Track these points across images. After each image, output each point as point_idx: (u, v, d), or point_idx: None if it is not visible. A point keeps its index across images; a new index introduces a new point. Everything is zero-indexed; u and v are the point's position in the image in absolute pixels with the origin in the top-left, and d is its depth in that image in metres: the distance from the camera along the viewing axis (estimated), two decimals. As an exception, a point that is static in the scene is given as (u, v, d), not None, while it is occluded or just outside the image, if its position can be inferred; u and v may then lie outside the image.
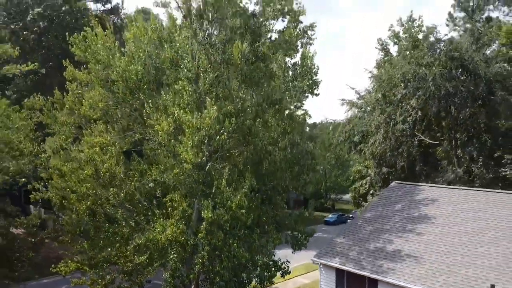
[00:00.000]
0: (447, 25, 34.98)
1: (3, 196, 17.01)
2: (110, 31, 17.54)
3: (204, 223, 14.09)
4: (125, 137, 17.38)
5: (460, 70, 24.79)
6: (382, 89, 29.20)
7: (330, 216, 53.38)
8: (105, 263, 16.18)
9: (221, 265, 14.73)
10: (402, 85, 26.75)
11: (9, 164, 14.81)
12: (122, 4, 42.75)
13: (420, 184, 18.16)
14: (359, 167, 36.84)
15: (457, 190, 16.24)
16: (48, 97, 17.60)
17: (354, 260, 14.05)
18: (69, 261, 16.48)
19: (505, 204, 14.10)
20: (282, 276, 16.75)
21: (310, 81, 19.44)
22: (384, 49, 35.39)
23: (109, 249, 16.05)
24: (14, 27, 30.54)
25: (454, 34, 34.66)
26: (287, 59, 19.35)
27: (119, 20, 41.52)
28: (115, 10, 41.06)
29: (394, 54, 34.60)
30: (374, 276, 13.22)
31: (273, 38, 18.23)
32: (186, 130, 14.13)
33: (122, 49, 17.69)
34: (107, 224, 15.59)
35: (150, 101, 15.92)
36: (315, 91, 20.18)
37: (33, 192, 16.56)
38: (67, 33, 24.23)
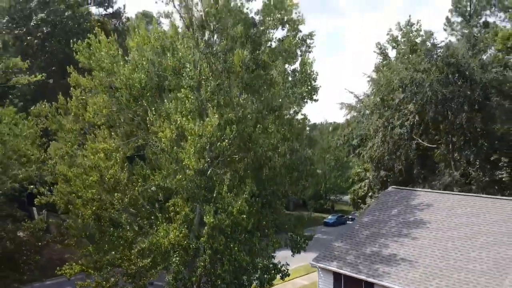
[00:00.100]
0: (445, 30, 35.48)
1: (11, 201, 17.46)
2: (114, 38, 17.91)
3: (206, 227, 14.55)
4: (128, 143, 17.80)
5: (456, 75, 25.25)
6: (380, 93, 29.65)
7: (330, 218, 53.83)
8: (109, 265, 16.60)
9: (222, 268, 15.18)
10: (400, 90, 27.21)
11: (18, 171, 15.27)
12: (124, 8, 43.11)
13: (416, 189, 18.62)
14: (358, 170, 37.31)
15: (452, 195, 16.70)
16: (53, 102, 18.02)
17: (351, 264, 14.52)
18: (74, 263, 16.95)
19: (497, 209, 14.57)
20: (282, 278, 17.18)
21: (309, 87, 19.92)
22: (383, 53, 35.81)
23: (113, 252, 16.48)
24: (18, 32, 31.01)
25: (452, 38, 35.21)
26: (287, 65, 19.79)
27: (120, 24, 42.02)
28: (116, 15, 41.55)
29: (393, 58, 35.08)
30: (370, 279, 13.69)
31: (273, 46, 18.68)
32: (189, 137, 14.55)
33: (126, 57, 18.04)
34: (111, 229, 16.02)
35: (153, 108, 16.35)
36: (314, 97, 20.68)
37: (38, 196, 16.99)
38: (70, 38, 24.71)
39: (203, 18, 16.43)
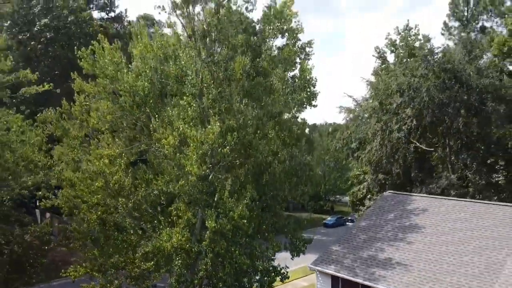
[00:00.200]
0: (442, 34, 35.93)
1: (19, 206, 17.92)
2: (117, 46, 18.31)
3: (208, 232, 15.00)
4: (131, 149, 18.24)
5: (453, 81, 25.71)
6: (378, 98, 30.12)
7: (329, 219, 54.35)
8: (114, 268, 17.08)
9: (224, 271, 15.62)
10: (398, 94, 27.67)
11: (27, 178, 15.75)
12: (126, 12, 43.53)
13: (412, 194, 19.09)
14: (357, 172, 37.77)
15: (446, 200, 17.17)
16: (57, 108, 18.45)
17: (348, 268, 15.00)
18: (78, 266, 17.44)
19: (490, 215, 15.03)
20: (282, 280, 17.63)
21: (309, 93, 20.41)
22: (381, 57, 36.29)
23: (117, 255, 16.94)
24: (22, 37, 31.48)
25: (450, 43, 35.66)
26: (286, 72, 20.23)
27: (122, 28, 42.50)
28: (118, 19, 42.04)
29: (391, 61, 35.55)
30: (366, 283, 14.15)
31: (273, 54, 19.13)
32: (191, 144, 14.99)
33: (129, 65, 18.41)
34: (116, 233, 16.49)
35: (156, 115, 16.79)
36: (313, 103, 21.16)
37: (43, 199, 17.44)
38: (73, 43, 24.99)
39: (205, 28, 16.87)
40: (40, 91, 16.28)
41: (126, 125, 18.37)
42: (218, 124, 15.14)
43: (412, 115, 27.76)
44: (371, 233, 16.36)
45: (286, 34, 19.01)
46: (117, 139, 17.89)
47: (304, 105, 20.85)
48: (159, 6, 16.97)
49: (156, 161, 17.53)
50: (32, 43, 31.38)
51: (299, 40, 19.23)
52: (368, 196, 34.05)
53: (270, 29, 18.37)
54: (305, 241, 18.04)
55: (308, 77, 20.04)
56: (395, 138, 28.31)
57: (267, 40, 18.47)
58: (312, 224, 49.88)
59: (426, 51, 29.68)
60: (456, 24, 34.98)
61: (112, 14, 41.26)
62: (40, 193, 15.33)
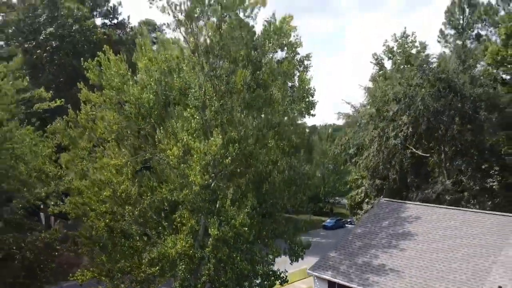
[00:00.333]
0: (439, 42, 36.66)
1: (31, 214, 18.70)
2: (122, 58, 18.96)
3: (211, 239, 15.77)
4: (137, 158, 18.96)
5: (447, 90, 26.47)
6: (376, 104, 30.87)
7: (328, 221, 54.97)
8: (120, 273, 17.85)
9: (225, 276, 16.39)
10: (394, 102, 28.43)
11: (41, 190, 16.53)
12: (128, 19, 44.33)
13: (405, 202, 19.88)
14: (355, 176, 38.53)
15: (438, 208, 17.95)
16: (63, 116, 19.15)
17: (344, 273, 15.79)
18: (86, 270, 18.22)
19: (478, 223, 15.81)
20: (281, 284, 18.41)
21: (307, 103, 21.20)
22: (379, 64, 37.01)
23: (124, 261, 17.71)
24: (28, 45, 32.25)
25: (446, 50, 36.40)
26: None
27: (124, 34, 43.25)
28: (121, 25, 42.80)
29: (389, 68, 36.28)
30: (361, 288, 14.96)
31: (273, 67, 19.87)
32: (195, 155, 15.73)
33: (135, 76, 19.04)
34: (123, 239, 17.26)
35: (161, 127, 17.53)
36: (312, 112, 21.94)
37: (51, 206, 18.20)
38: (77, 51, 25.52)
39: (208, 43, 17.62)
40: (53, 106, 17.07)
41: (130, 132, 19.09)
42: (221, 136, 15.88)
43: (408, 122, 28.53)
44: (366, 240, 17.15)
45: (286, 48, 19.83)
46: (122, 148, 18.54)
47: (303, 114, 21.68)
48: (164, 24, 17.82)
49: (160, 168, 18.24)
50: (38, 51, 32.15)
51: (298, 54, 20.06)
52: (366, 200, 34.82)
53: (270, 44, 19.15)
54: (303, 246, 18.80)
55: (306, 87, 20.84)
56: (392, 144, 29.06)
57: (267, 54, 19.23)
58: (311, 226, 50.56)
59: (423, 57, 30.46)
60: (452, 32, 35.73)
61: (115, 21, 42.01)
62: (52, 203, 16.08)
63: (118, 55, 18.72)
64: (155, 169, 18.32)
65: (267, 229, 18.40)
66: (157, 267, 16.58)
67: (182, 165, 16.24)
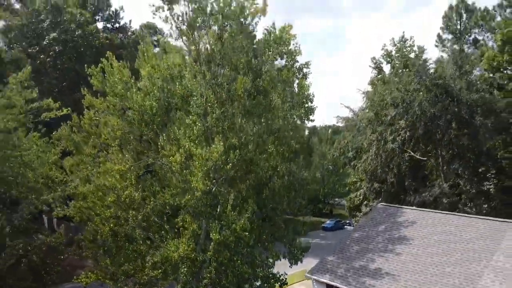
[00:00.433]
0: (436, 46, 37.14)
1: (36, 219, 19.22)
2: (125, 64, 19.39)
3: (212, 243, 16.25)
4: (140, 163, 19.41)
5: (444, 95, 26.95)
6: (374, 109, 31.34)
7: (328, 222, 55.40)
8: (124, 275, 18.34)
9: (227, 279, 16.85)
10: (392, 107, 28.90)
11: (48, 196, 17.04)
12: (130, 23, 44.81)
13: (402, 206, 20.35)
14: (353, 179, 39.01)
15: (433, 213, 18.42)
16: (68, 122, 19.62)
17: (342, 277, 16.28)
18: (90, 273, 18.73)
19: (472, 228, 16.27)
20: (281, 286, 18.87)
21: (306, 109, 21.68)
22: (378, 67, 37.44)
23: (127, 264, 18.18)
24: (31, 50, 32.75)
25: (444, 54, 36.92)
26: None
27: (126, 38, 43.78)
28: (122, 29, 43.32)
29: (387, 72, 36.71)
30: (358, 291, 15.39)
31: (272, 75, 20.33)
32: (197, 162, 16.20)
33: (137, 81, 19.40)
34: (127, 243, 17.74)
35: (163, 133, 18.00)
36: (311, 117, 22.40)
37: (55, 210, 18.70)
38: (80, 55, 25.84)
39: (209, 52, 18.09)
40: (59, 115, 17.57)
41: (133, 138, 19.54)
42: (222, 143, 16.34)
43: (406, 126, 29.00)
44: (363, 244, 17.63)
45: (285, 56, 20.30)
46: (125, 153, 18.94)
47: (303, 119, 22.15)
48: (168, 34, 18.37)
49: (162, 172, 18.68)
50: (41, 56, 32.65)
51: (297, 62, 20.53)
52: (365, 203, 35.28)
53: (270, 52, 19.62)
54: (302, 249, 19.28)
55: (306, 93, 21.32)
56: (390, 148, 29.52)
57: (267, 62, 19.69)
58: (311, 227, 51.07)
59: (421, 62, 30.92)
60: (450, 36, 36.19)
61: (116, 25, 42.51)
62: (58, 208, 16.59)
63: (121, 61, 19.23)
64: (157, 174, 18.75)
65: (267, 233, 18.86)
66: (160, 270, 17.05)
67: (185, 171, 16.70)
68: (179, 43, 19.03)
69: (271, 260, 17.97)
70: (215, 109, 17.44)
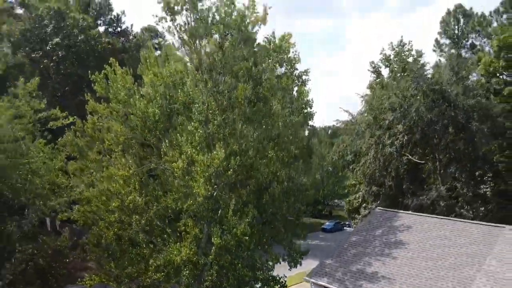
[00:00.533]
0: (434, 51, 37.60)
1: (42, 223, 19.74)
2: (127, 71, 19.83)
3: (214, 247, 16.72)
4: (142, 168, 19.86)
5: (441, 100, 27.43)
6: (372, 113, 31.82)
7: (327, 224, 55.94)
8: (127, 278, 18.84)
9: (228, 282, 17.34)
10: (390, 112, 29.39)
11: (54, 202, 17.55)
12: (132, 27, 45.27)
13: (398, 211, 20.83)
14: (352, 182, 39.49)
15: (429, 218, 18.90)
16: (72, 127, 20.08)
17: (340, 280, 16.77)
18: (94, 275, 19.24)
19: (466, 233, 16.77)
20: (280, 288, 19.32)
21: (306, 114, 22.17)
22: (376, 72, 37.91)
23: (131, 267, 18.66)
24: (35, 55, 33.24)
25: (442, 59, 37.36)
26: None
27: (127, 42, 44.27)
28: (124, 33, 43.82)
29: (386, 76, 37.19)
30: (354, 294, 15.87)
31: (272, 83, 20.79)
32: (198, 168, 16.67)
33: (141, 89, 19.82)
34: (130, 247, 18.23)
35: (166, 140, 18.44)
36: (310, 122, 22.84)
37: (60, 213, 19.21)
38: (83, 60, 26.12)
39: (211, 61, 18.55)
40: (66, 124, 18.08)
41: (136, 142, 19.98)
42: (223, 150, 16.81)
43: (404, 131, 29.47)
44: (360, 248, 18.13)
45: (284, 64, 20.80)
46: (128, 158, 19.34)
47: (302, 125, 22.64)
48: (172, 43, 18.86)
49: (164, 176, 19.13)
50: (44, 61, 33.14)
51: (296, 69, 21.05)
52: (363, 205, 35.74)
53: (269, 60, 20.10)
54: (301, 252, 19.77)
55: (305, 99, 21.81)
56: (388, 152, 29.98)
57: (267, 70, 20.17)
58: (310, 229, 51.56)
59: (419, 66, 31.40)
60: (447, 41, 36.65)
61: (118, 29, 43.00)
62: (65, 213, 17.09)
63: (123, 67, 19.68)
64: (159, 178, 19.18)
65: (267, 236, 19.34)
66: (163, 273, 17.52)
67: (187, 176, 17.16)
68: (181, 51, 19.52)
69: (271, 263, 18.40)
70: (216, 116, 17.89)
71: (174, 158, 17.30)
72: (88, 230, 19.92)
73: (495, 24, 32.08)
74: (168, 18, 18.14)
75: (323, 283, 16.99)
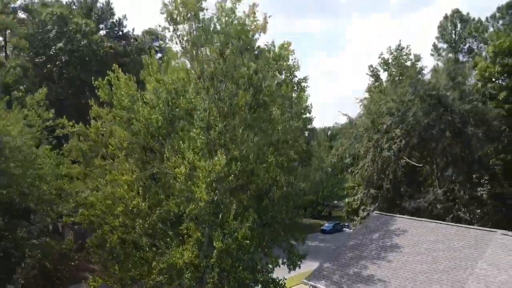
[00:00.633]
0: (432, 55, 38.11)
1: (46, 227, 20.34)
2: (131, 77, 20.34)
3: (215, 251, 17.24)
4: (145, 173, 20.37)
5: (438, 105, 27.96)
6: (371, 117, 32.33)
7: (327, 225, 56.41)
8: (131, 280, 19.38)
9: (229, 284, 17.86)
10: (388, 116, 29.91)
11: (62, 208, 18.11)
12: (133, 32, 45.79)
13: (395, 215, 21.38)
14: (351, 184, 39.98)
15: (424, 222, 19.45)
16: (75, 131, 20.56)
17: (337, 283, 17.31)
18: (97, 277, 19.79)
19: (459, 236, 17.30)
20: (279, 290, 19.82)
21: (305, 119, 22.67)
22: (375, 75, 38.39)
23: (134, 269, 19.18)
24: (38, 60, 33.78)
25: (439, 63, 37.82)
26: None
27: (128, 45, 44.82)
28: (125, 37, 44.35)
29: (384, 79, 37.68)
30: (352, 296, 16.40)
31: (272, 90, 21.30)
32: (200, 174, 17.18)
33: (144, 95, 20.29)
34: (134, 250, 18.76)
35: (169, 146, 18.96)
36: (309, 127, 23.26)
37: (64, 217, 19.75)
38: (85, 64, 26.51)
39: (212, 70, 19.05)
40: (72, 131, 18.63)
41: (138, 146, 20.48)
42: (224, 156, 17.32)
43: (401, 135, 29.98)
44: (357, 252, 18.67)
45: (284, 72, 21.31)
46: (131, 162, 19.83)
47: (301, 130, 23.16)
48: (175, 51, 19.42)
49: (166, 179, 19.61)
50: (48, 65, 33.69)
51: (296, 77, 21.55)
52: (362, 207, 36.23)
53: (269, 67, 20.59)
54: (300, 256, 20.30)
55: (304, 105, 22.31)
56: (386, 156, 30.49)
57: (267, 78, 20.66)
58: (309, 230, 52.08)
59: (417, 70, 31.92)
60: (445, 46, 37.15)
61: (120, 33, 43.52)
62: (72, 219, 17.64)
63: (126, 73, 20.19)
64: (161, 181, 19.65)
65: (267, 239, 19.85)
66: (166, 276, 18.06)
67: (189, 182, 17.67)
68: (183, 59, 20.04)
69: (270, 266, 18.92)
70: (218, 122, 18.39)
71: (177, 163, 17.81)
72: (91, 232, 20.45)
73: (491, 29, 32.59)
74: (171, 28, 18.63)
75: (321, 286, 17.54)
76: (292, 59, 21.40)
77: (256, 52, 22.50)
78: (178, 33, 18.77)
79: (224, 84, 19.10)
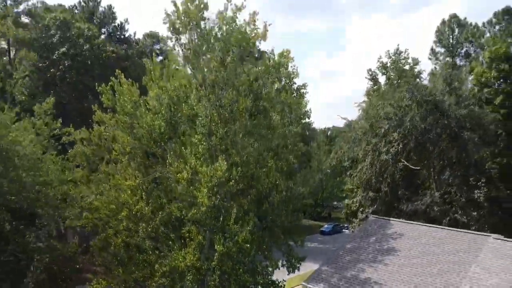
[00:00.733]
0: (430, 59, 38.61)
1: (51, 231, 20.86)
2: (133, 83, 20.78)
3: (216, 254, 17.73)
4: (148, 178, 20.84)
5: (435, 109, 28.46)
6: (369, 121, 32.84)
7: (326, 226, 56.83)
8: (134, 282, 19.87)
9: (230, 287, 18.36)
10: (386, 120, 30.42)
11: (69, 213, 18.62)
12: (134, 36, 46.31)
13: (391, 219, 21.90)
14: (350, 186, 40.50)
15: (420, 226, 19.96)
16: (79, 132, 20.96)
17: (335, 286, 17.81)
18: (101, 280, 20.26)
19: (453, 240, 17.83)
20: (279, 292, 20.30)
21: (304, 124, 23.16)
22: (373, 79, 38.92)
23: (137, 272, 19.67)
24: (42, 64, 34.27)
25: (437, 67, 38.35)
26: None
27: (130, 49, 45.32)
28: (127, 40, 44.85)
29: (383, 83, 38.19)
30: (349, 299, 16.90)
31: (271, 96, 21.78)
32: (202, 179, 17.67)
33: (146, 101, 20.74)
34: (137, 254, 19.26)
35: (171, 152, 19.44)
36: (307, 133, 23.69)
37: (67, 220, 20.24)
38: (88, 69, 26.80)
39: (213, 78, 19.54)
40: (78, 138, 19.15)
41: (141, 151, 20.95)
42: (225, 162, 17.81)
43: (399, 139, 30.50)
44: (355, 255, 19.19)
45: (283, 79, 21.81)
46: (134, 167, 20.29)
47: (301, 134, 23.65)
48: (176, 59, 19.88)
49: (168, 182, 20.07)
50: (51, 70, 34.17)
51: (295, 83, 22.06)
52: (361, 210, 36.76)
53: (269, 74, 21.10)
54: (299, 259, 20.80)
55: (303, 110, 22.81)
56: (384, 159, 31.00)
57: (267, 85, 21.16)
58: (309, 231, 52.57)
59: (416, 74, 32.41)
60: (442, 50, 37.65)
61: (122, 37, 44.02)
62: (79, 224, 18.15)
63: (128, 78, 20.63)
64: (163, 186, 20.11)
65: (267, 242, 20.35)
66: (168, 278, 18.55)
67: (191, 187, 18.16)
68: (185, 67, 20.54)
69: (270, 269, 19.41)
70: (219, 128, 18.88)
71: (179, 168, 18.29)
72: (94, 235, 20.92)
73: (488, 35, 33.08)
74: (174, 38, 19.11)
75: (319, 288, 18.07)
76: (291, 66, 21.94)
77: (256, 55, 22.99)
78: (180, 42, 19.24)
79: (225, 91, 19.59)
